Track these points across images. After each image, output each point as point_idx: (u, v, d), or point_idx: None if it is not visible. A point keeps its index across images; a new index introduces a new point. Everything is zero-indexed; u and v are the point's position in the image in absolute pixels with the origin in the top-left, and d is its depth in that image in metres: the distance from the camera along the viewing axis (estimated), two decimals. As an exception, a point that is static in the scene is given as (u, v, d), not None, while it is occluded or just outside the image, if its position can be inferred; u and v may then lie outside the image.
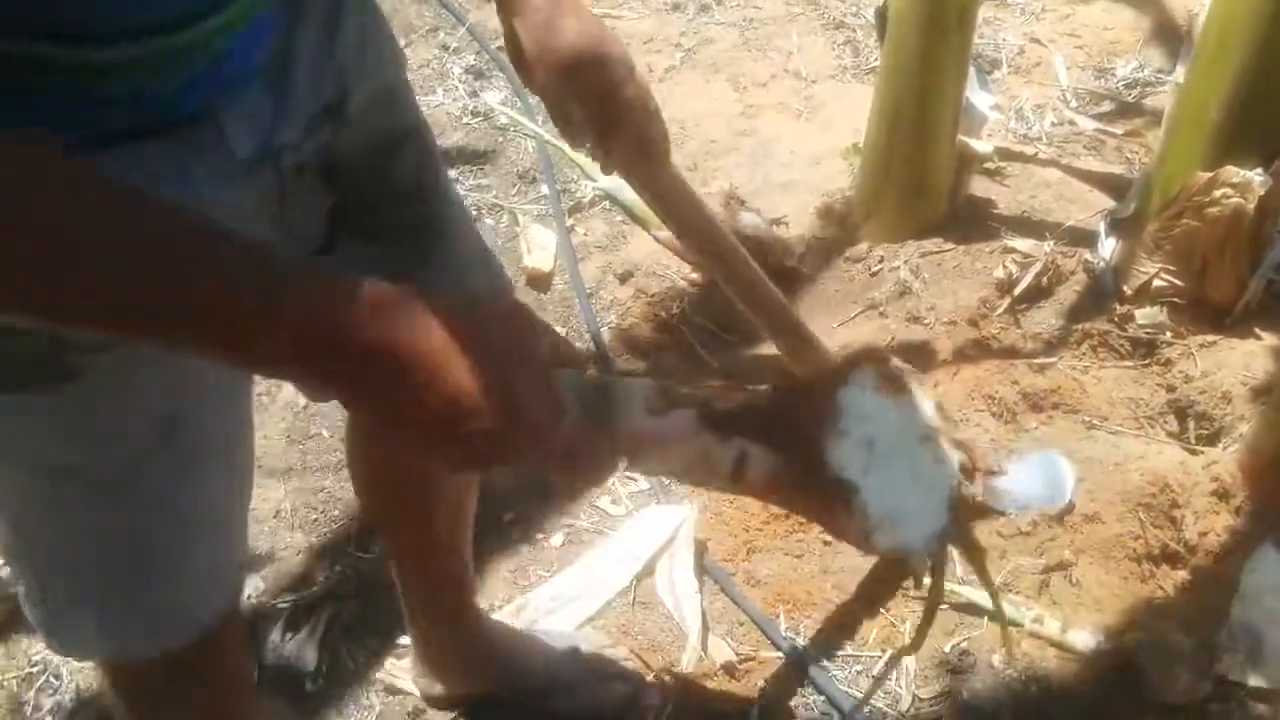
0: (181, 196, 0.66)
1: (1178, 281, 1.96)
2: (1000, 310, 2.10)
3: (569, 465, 0.74)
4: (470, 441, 0.67)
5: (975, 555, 0.83)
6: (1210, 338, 1.96)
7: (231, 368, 0.74)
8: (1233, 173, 1.83)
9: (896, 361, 0.81)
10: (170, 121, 0.77)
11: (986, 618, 1.64)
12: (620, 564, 1.78)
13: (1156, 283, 1.98)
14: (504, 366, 0.67)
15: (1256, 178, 1.83)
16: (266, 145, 0.85)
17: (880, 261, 2.23)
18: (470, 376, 0.65)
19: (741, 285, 1.30)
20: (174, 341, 0.65)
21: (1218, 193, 1.85)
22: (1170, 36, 2.91)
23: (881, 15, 2.21)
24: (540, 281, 2.31)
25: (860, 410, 0.75)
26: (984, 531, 1.71)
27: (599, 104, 1.01)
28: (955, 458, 0.79)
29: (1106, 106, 2.72)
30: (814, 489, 0.73)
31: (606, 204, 2.50)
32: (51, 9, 0.67)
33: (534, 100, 2.37)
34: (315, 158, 0.92)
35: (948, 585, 1.32)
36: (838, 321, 2.15)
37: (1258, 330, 1.96)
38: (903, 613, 1.70)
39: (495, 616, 1.68)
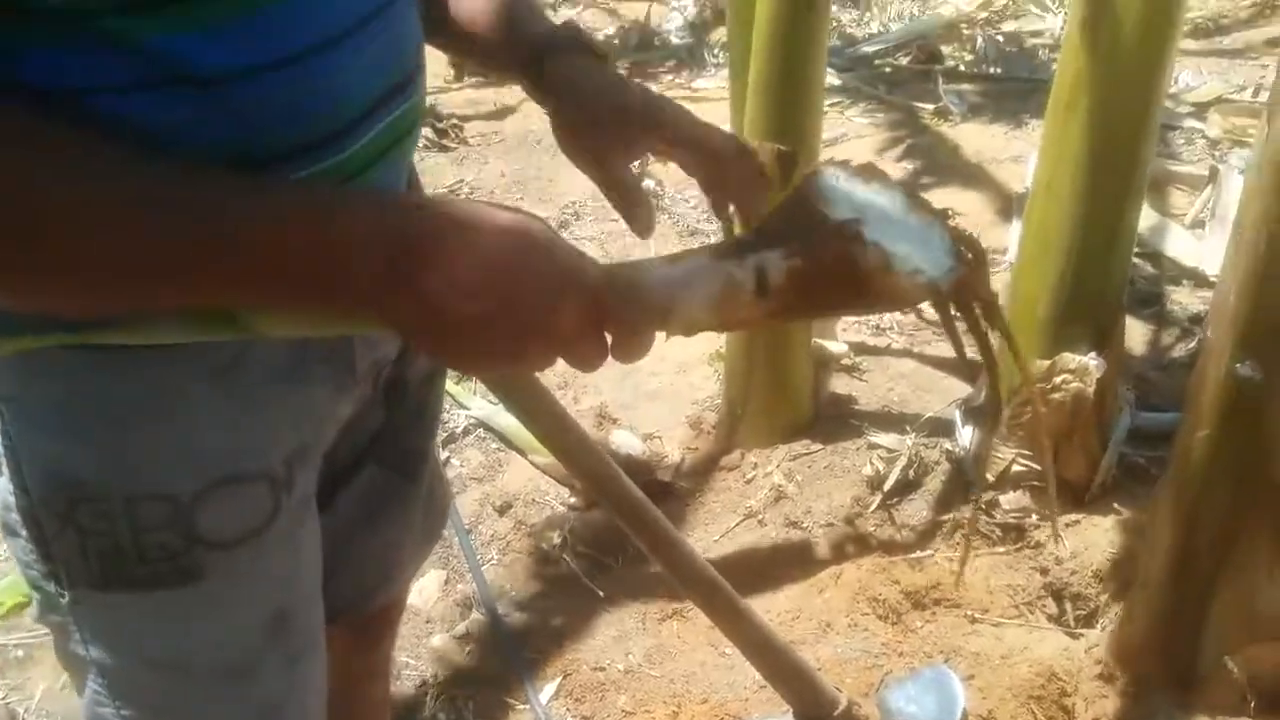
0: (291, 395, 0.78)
1: (1034, 465, 2.03)
2: (873, 507, 2.14)
3: (603, 345, 0.72)
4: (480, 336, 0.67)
5: (986, 300, 0.80)
6: (1074, 517, 2.02)
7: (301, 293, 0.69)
8: (1069, 359, 1.93)
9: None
10: None
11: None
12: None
13: (1015, 468, 2.05)
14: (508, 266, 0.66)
15: (1091, 362, 1.93)
16: (376, 360, 0.91)
17: (754, 468, 2.26)
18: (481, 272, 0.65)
19: (620, 508, 1.30)
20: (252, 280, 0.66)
21: (1058, 379, 1.94)
22: (1003, 216, 3.10)
23: (730, 229, 2.31)
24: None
25: (840, 194, 0.77)
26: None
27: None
28: (939, 218, 0.78)
29: (951, 290, 2.86)
30: (828, 254, 0.73)
31: (481, 431, 2.50)
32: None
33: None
34: (393, 376, 0.98)
35: None
36: (718, 534, 2.16)
37: (1116, 505, 2.03)
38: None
39: None
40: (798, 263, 0.73)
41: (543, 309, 0.67)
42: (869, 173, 0.79)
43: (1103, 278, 1.91)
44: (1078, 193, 1.84)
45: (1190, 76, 4.10)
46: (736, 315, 0.75)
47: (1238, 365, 1.43)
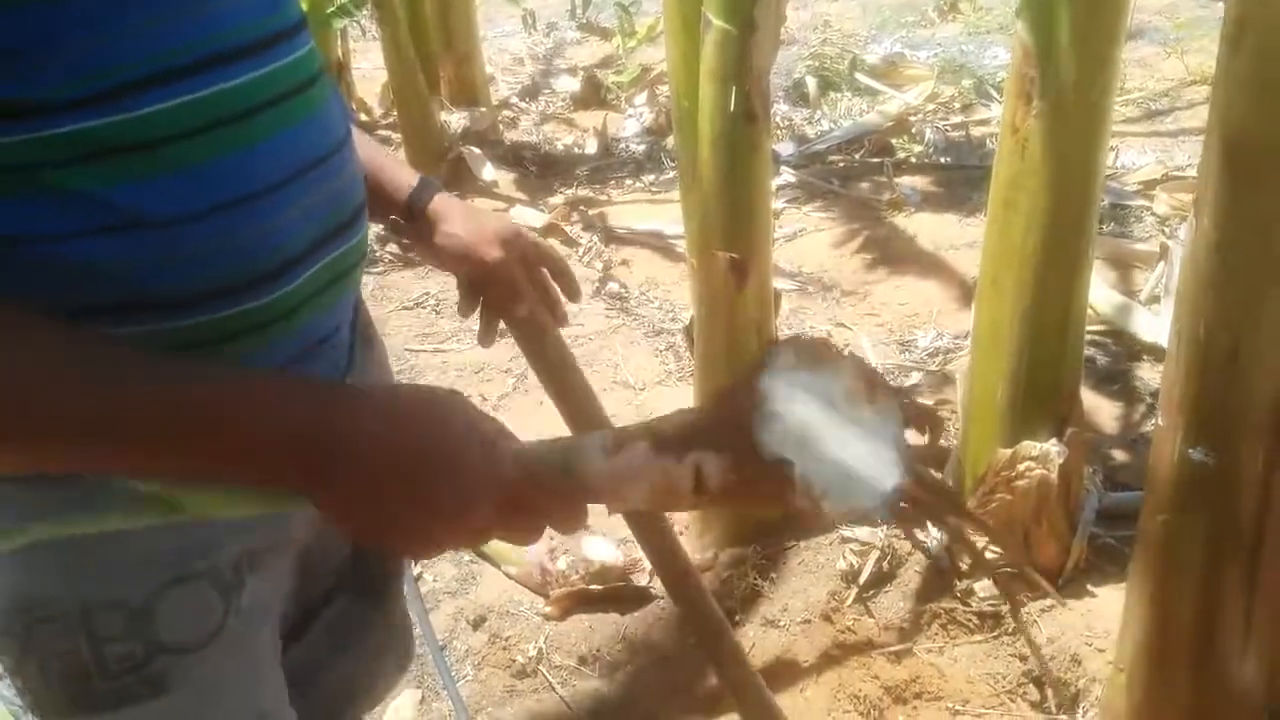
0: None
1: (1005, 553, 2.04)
2: (850, 601, 2.14)
3: (534, 524, 0.75)
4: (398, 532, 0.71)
5: (941, 496, 0.80)
6: (1048, 601, 2.03)
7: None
8: (1030, 447, 1.95)
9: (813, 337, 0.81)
10: None
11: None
12: None
13: (987, 555, 2.06)
14: (421, 462, 0.70)
15: (1053, 449, 1.95)
16: None
17: (728, 568, 2.26)
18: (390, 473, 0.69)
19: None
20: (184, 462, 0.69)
21: (1021, 466, 1.96)
22: (962, 303, 3.16)
23: (689, 331, 2.34)
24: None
25: (783, 391, 0.76)
26: None
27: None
28: (893, 409, 0.77)
29: (915, 378, 2.90)
30: (762, 477, 0.74)
31: (453, 545, 2.48)
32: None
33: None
34: None
35: None
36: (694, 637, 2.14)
37: (1090, 587, 2.04)
38: None
39: None
40: (735, 473, 0.75)
41: (455, 511, 0.71)
42: (822, 354, 0.78)
43: (1056, 365, 1.95)
44: (1023, 286, 1.88)
45: (1135, 155, 4.22)
46: (671, 505, 0.78)
47: (1190, 450, 1.45)
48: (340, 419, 0.70)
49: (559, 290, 1.23)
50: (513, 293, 1.17)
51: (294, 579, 0.97)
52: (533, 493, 0.73)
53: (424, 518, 0.70)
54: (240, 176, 0.75)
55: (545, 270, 1.20)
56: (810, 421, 0.76)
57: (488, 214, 1.17)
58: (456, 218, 1.12)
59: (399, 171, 1.11)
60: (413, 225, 1.11)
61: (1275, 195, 1.33)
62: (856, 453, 0.75)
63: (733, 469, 0.74)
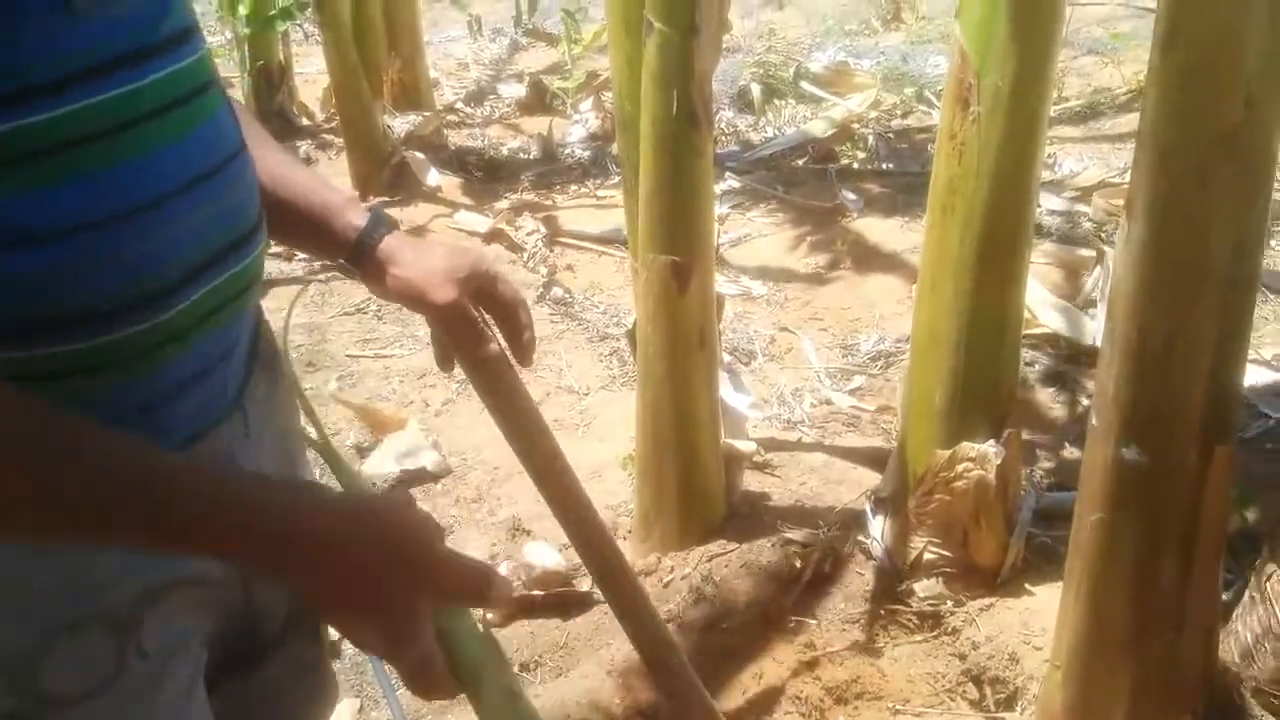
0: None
1: (945, 552, 2.06)
2: (791, 602, 2.14)
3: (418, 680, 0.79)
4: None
5: None
6: (987, 600, 2.05)
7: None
8: (968, 448, 1.97)
9: None
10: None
11: None
12: None
13: (927, 555, 2.07)
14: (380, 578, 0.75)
15: (990, 449, 1.97)
16: None
17: (671, 571, 2.25)
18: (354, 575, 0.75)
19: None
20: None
21: (959, 468, 1.98)
22: (904, 305, 3.19)
23: (632, 336, 2.34)
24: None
25: None
26: None
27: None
28: None
29: (858, 381, 2.92)
30: None
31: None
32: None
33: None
34: None
35: None
36: (638, 642, 2.13)
37: (1028, 586, 2.06)
38: None
39: None
40: None
41: (405, 605, 0.76)
42: None
43: (994, 368, 1.97)
44: (961, 290, 1.90)
45: (1073, 162, 4.29)
46: None
47: (1123, 450, 1.48)
48: (297, 530, 0.74)
49: (520, 322, 1.13)
50: (472, 333, 1.08)
51: (217, 619, 0.92)
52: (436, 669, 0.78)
53: (406, 584, 0.75)
54: (122, 189, 0.73)
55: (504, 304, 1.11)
56: None
57: (441, 251, 1.08)
58: (407, 259, 1.05)
59: (346, 210, 1.06)
60: (361, 268, 1.06)
61: (1205, 198, 1.36)
62: None
63: None
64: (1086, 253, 3.47)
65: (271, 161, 1.00)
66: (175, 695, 0.87)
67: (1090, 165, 4.26)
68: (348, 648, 2.15)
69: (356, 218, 1.05)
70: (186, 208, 0.77)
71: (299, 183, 1.04)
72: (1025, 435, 2.32)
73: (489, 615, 2.20)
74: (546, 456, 1.23)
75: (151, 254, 0.75)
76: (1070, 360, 2.98)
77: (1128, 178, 3.97)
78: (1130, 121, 4.63)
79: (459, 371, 1.15)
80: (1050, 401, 2.82)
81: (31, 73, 0.68)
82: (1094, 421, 1.55)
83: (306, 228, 1.04)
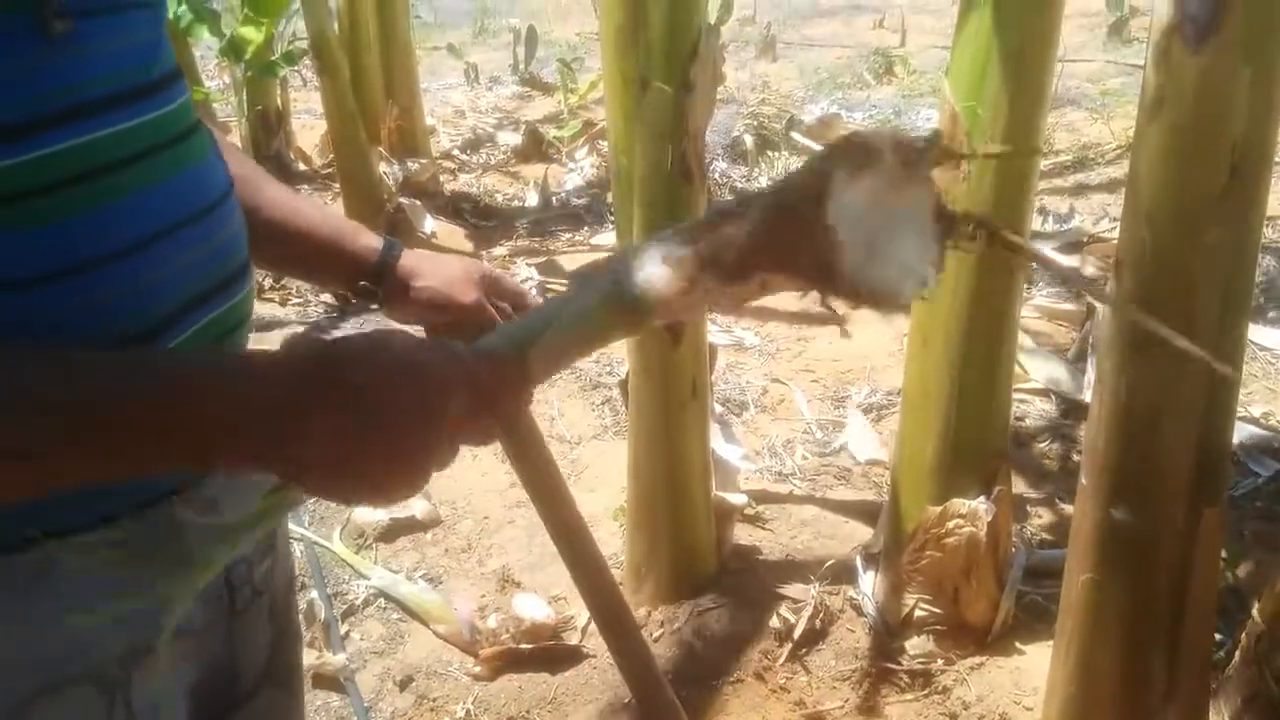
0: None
1: (936, 609, 2.05)
2: (782, 659, 2.13)
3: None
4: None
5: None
6: (978, 659, 2.03)
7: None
8: (959, 505, 1.97)
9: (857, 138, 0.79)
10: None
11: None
12: None
13: (918, 612, 2.06)
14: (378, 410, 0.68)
15: (981, 507, 1.97)
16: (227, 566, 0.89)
17: (660, 626, 2.24)
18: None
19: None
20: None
21: (950, 524, 1.97)
22: (895, 358, 3.19)
23: (625, 386, 2.34)
24: (328, 681, 2.19)
25: (843, 212, 0.77)
26: None
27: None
28: (926, 195, 0.77)
29: (847, 434, 2.91)
30: (814, 270, 0.77)
31: (381, 602, 2.44)
32: None
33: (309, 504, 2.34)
34: (263, 583, 0.96)
35: None
36: (628, 696, 2.11)
37: (1018, 644, 2.06)
38: None
39: None
40: (787, 280, 0.79)
41: (440, 405, 0.70)
42: (869, 152, 0.77)
43: (984, 425, 1.97)
44: (951, 346, 1.90)
45: (1063, 214, 4.33)
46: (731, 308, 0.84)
47: (1112, 510, 1.47)
48: (296, 390, 0.68)
49: (531, 305, 1.21)
50: (493, 326, 1.13)
51: (201, 671, 0.91)
52: (492, 375, 0.75)
53: (414, 420, 0.69)
54: (106, 233, 0.73)
55: (514, 293, 1.19)
56: (861, 215, 0.77)
57: (451, 259, 1.16)
58: (427, 270, 1.12)
59: (359, 235, 1.11)
60: (384, 286, 1.11)
61: (1192, 259, 1.36)
62: (900, 245, 0.77)
63: (790, 277, 0.79)
64: (1076, 307, 3.49)
65: (276, 196, 1.03)
66: None
67: (1080, 220, 4.29)
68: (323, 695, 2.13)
69: (372, 240, 1.10)
70: (168, 253, 0.77)
71: (308, 214, 1.06)
72: (1017, 490, 2.32)
73: (476, 669, 2.18)
74: (551, 474, 1.25)
75: (128, 299, 0.74)
76: (1060, 415, 2.98)
77: (1117, 232, 4.00)
78: (1119, 177, 4.68)
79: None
80: (1042, 455, 2.82)
81: (7, 112, 0.67)
82: (1083, 480, 1.55)
83: (322, 256, 1.07)
